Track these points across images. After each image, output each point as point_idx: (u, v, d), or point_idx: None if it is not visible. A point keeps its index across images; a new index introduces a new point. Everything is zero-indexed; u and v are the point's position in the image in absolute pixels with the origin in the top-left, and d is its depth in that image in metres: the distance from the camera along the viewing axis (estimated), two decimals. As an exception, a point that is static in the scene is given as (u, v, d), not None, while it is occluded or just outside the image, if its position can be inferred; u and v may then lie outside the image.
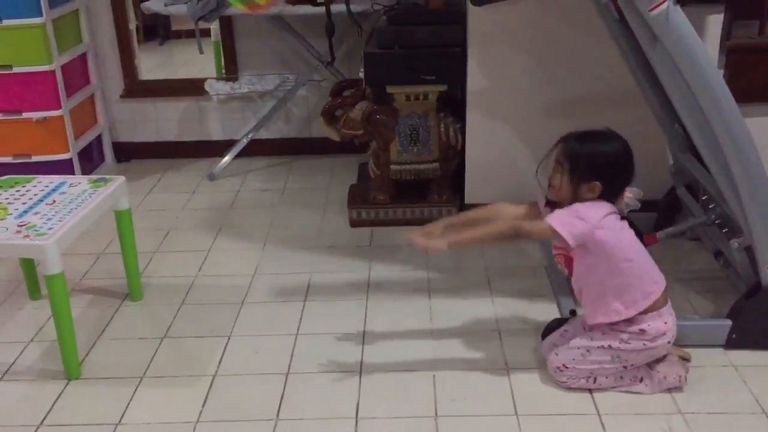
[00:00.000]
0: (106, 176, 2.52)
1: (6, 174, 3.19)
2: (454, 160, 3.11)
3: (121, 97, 3.88)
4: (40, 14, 3.22)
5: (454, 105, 3.14)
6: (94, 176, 2.55)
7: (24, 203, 2.34)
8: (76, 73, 3.59)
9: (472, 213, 2.19)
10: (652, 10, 1.90)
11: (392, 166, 3.11)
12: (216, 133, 3.96)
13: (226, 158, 3.74)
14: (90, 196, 2.38)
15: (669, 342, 2.01)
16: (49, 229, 2.16)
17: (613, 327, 2.01)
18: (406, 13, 2.97)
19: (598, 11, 2.40)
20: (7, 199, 2.37)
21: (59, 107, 3.36)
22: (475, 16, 2.83)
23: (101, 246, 3.03)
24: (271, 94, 3.81)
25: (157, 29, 5.62)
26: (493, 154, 3.04)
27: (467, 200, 3.11)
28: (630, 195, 2.03)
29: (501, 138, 3.01)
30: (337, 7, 3.25)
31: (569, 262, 2.03)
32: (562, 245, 1.98)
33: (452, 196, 3.16)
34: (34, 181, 2.50)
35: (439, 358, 2.26)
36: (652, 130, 2.63)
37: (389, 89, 3.01)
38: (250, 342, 2.38)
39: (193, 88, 3.86)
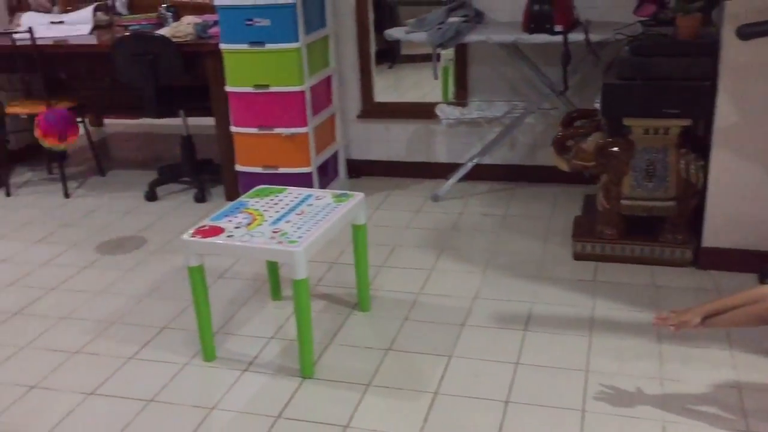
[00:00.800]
0: (348, 192, 2.70)
1: (255, 182, 3.53)
2: (692, 200, 2.94)
3: (358, 117, 4.14)
4: (297, 40, 3.53)
5: (694, 141, 2.97)
6: (337, 191, 2.74)
7: (277, 212, 2.57)
8: (322, 94, 3.88)
9: (730, 300, 2.04)
10: None
11: (623, 201, 3.01)
12: (441, 156, 4.08)
13: (450, 181, 3.84)
14: (333, 210, 2.57)
15: None
16: (299, 237, 2.36)
17: None
18: (652, 44, 2.87)
19: None
20: (263, 206, 2.62)
21: (305, 125, 3.66)
22: (731, 48, 2.66)
23: (333, 255, 3.24)
24: (499, 121, 3.85)
25: (388, 54, 5.93)
26: (739, 196, 2.83)
27: (705, 243, 2.92)
28: None
29: (750, 179, 2.80)
30: (575, 36, 3.23)
31: None
32: None
33: (688, 237, 2.98)
34: (285, 192, 2.74)
35: (670, 405, 2.14)
36: None
37: (626, 121, 2.93)
38: (471, 365, 2.42)
39: (423, 111, 4.02)
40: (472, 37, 3.43)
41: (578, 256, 3.09)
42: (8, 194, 4.22)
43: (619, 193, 3.00)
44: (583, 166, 3.04)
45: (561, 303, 2.77)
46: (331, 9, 3.87)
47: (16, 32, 3.89)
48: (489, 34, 3.38)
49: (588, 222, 3.20)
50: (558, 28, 3.26)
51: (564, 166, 3.11)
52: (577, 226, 3.22)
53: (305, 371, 2.41)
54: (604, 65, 3.23)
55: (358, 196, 2.68)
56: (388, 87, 5.73)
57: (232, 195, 3.94)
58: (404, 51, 6.19)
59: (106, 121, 5.63)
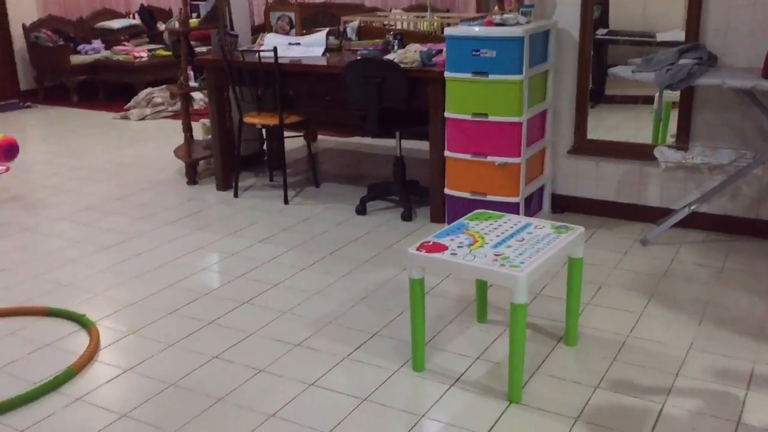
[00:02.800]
0: (568, 224, 2.72)
1: (461, 206, 3.63)
2: None
3: (568, 152, 4.13)
4: (521, 72, 3.61)
5: None
6: (556, 222, 2.76)
7: (498, 236, 2.64)
8: (536, 127, 3.93)
9: None
10: None
11: None
12: (654, 199, 3.96)
13: (663, 226, 3.71)
14: (553, 240, 2.59)
15: None
16: (521, 262, 2.41)
17: None
18: None
19: None
20: (483, 230, 2.70)
21: (519, 155, 3.72)
22: None
23: (538, 287, 3.26)
24: (722, 168, 3.68)
25: (593, 93, 5.84)
26: None
27: None
28: None
29: None
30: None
31: None
32: None
33: None
34: (504, 218, 2.81)
35: None
36: None
37: None
38: (687, 417, 2.33)
39: (637, 152, 3.93)
40: (705, 81, 3.33)
41: (808, 320, 2.88)
42: (236, 195, 4.65)
43: None
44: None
45: (787, 367, 2.59)
46: (554, 44, 3.92)
47: (262, 51, 4.31)
48: (724, 79, 3.26)
49: (821, 285, 2.97)
50: (804, 76, 3.08)
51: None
52: (808, 288, 3.00)
53: (512, 396, 2.44)
54: None
55: (578, 229, 2.69)
56: (591, 126, 5.66)
57: (437, 217, 4.08)
58: (609, 91, 6.08)
59: (319, 136, 6.04)
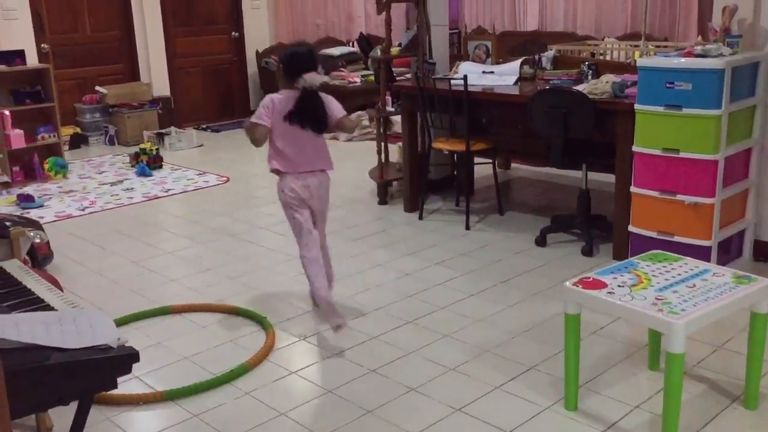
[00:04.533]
0: (752, 275, 2.49)
1: (646, 245, 3.45)
2: None
3: (777, 195, 3.76)
4: (719, 107, 3.36)
5: None
6: (739, 271, 2.54)
7: (667, 279, 2.49)
8: (737, 166, 3.62)
9: None
10: None
11: None
12: None
13: None
14: (730, 290, 2.39)
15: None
16: (683, 310, 2.26)
17: None
18: None
19: None
20: (653, 271, 2.56)
21: (713, 195, 3.45)
22: None
23: (721, 339, 3.00)
24: None
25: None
26: None
27: None
28: None
29: None
30: None
31: None
32: None
33: None
34: (681, 262, 2.64)
35: None
36: None
37: None
38: None
39: None
40: None
41: None
42: (420, 218, 4.80)
43: None
44: None
45: None
46: (765, 77, 3.60)
47: (453, 78, 4.43)
48: None
49: None
50: None
51: None
52: None
53: (667, 451, 2.28)
54: None
55: (763, 281, 2.45)
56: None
57: (620, 254, 3.90)
58: None
59: (513, 164, 6.03)
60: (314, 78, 3.05)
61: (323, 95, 3.16)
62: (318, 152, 3.21)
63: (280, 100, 3.12)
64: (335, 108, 3.18)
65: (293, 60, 3.10)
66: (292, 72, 3.07)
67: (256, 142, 3.19)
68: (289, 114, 3.09)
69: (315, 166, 3.22)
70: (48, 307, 2.05)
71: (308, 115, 3.11)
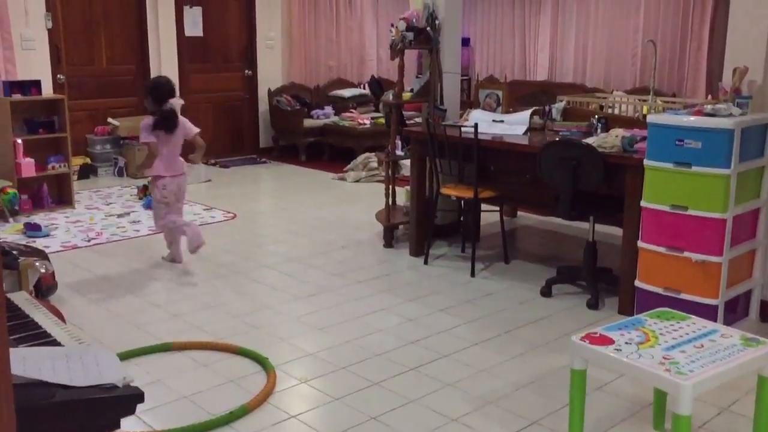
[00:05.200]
0: (759, 338, 2.47)
1: (652, 301, 3.44)
2: None
3: None
4: (729, 166, 3.38)
5: None
6: (747, 333, 2.52)
7: (674, 338, 2.47)
8: (745, 226, 3.63)
9: None
10: None
11: None
12: None
13: None
14: (738, 353, 2.37)
15: None
16: (690, 371, 2.24)
17: None
18: None
19: None
20: (660, 329, 2.54)
21: (720, 254, 3.45)
22: None
23: (726, 401, 2.97)
24: None
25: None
26: None
27: None
28: None
29: None
30: None
31: None
32: None
33: None
34: (688, 321, 2.62)
35: None
36: None
37: None
38: None
39: None
40: None
41: None
42: (426, 262, 4.79)
43: None
44: None
45: None
46: (774, 139, 3.63)
47: (463, 126, 4.47)
48: None
49: None
50: None
51: None
52: None
53: None
54: None
55: (771, 344, 2.44)
56: None
57: (625, 309, 3.89)
58: None
59: (519, 212, 6.05)
60: (175, 102, 4.66)
61: (180, 117, 4.69)
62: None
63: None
64: (189, 126, 4.67)
65: (160, 89, 4.58)
66: (160, 98, 4.53)
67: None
68: (155, 123, 4.52)
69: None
70: (55, 342, 2.04)
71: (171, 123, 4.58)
